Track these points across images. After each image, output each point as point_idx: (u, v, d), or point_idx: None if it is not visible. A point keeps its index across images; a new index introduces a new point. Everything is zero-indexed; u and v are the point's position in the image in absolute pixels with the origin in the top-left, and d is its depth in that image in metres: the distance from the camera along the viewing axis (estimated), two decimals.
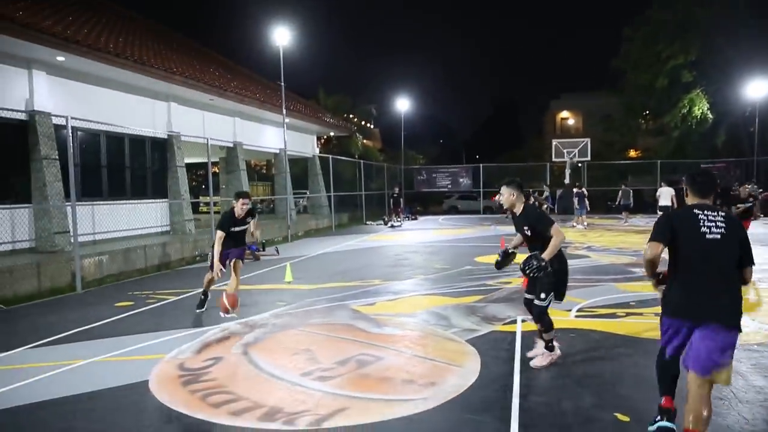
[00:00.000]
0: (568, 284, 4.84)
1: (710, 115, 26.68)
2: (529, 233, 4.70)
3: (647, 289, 7.66)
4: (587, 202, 19.44)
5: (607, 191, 26.06)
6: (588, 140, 25.44)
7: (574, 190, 20.04)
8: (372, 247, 14.60)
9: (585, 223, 18.91)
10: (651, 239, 3.25)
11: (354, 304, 7.32)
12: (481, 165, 28.48)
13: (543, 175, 27.64)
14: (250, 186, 21.35)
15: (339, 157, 25.01)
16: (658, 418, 3.32)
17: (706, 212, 3.20)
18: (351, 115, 39.34)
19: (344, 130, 28.11)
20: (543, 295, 4.64)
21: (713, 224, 3.15)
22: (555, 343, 4.83)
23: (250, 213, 6.89)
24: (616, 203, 21.25)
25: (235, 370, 4.83)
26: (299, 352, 5.26)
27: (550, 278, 4.60)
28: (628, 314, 6.53)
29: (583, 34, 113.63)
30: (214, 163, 20.98)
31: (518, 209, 4.77)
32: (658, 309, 6.39)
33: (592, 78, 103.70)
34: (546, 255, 4.50)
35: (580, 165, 26.30)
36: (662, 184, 19.04)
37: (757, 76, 23.52)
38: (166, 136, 14.57)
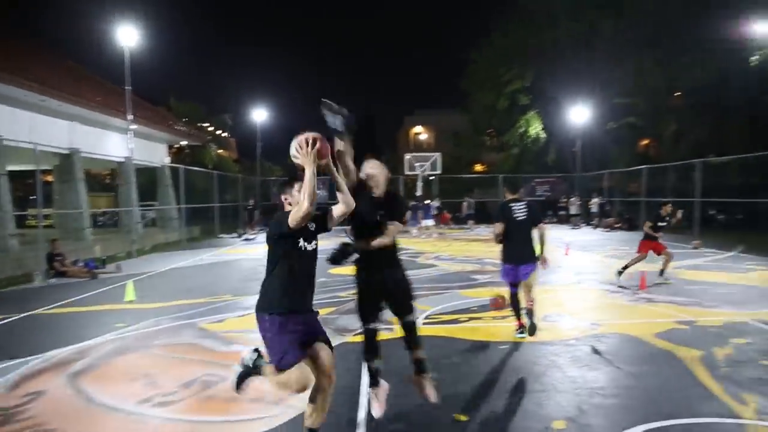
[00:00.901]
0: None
1: (543, 135, 29.79)
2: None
3: (487, 294, 8.30)
4: (433, 212, 20.98)
5: (455, 203, 27.97)
6: (438, 155, 26.94)
7: (426, 202, 21.41)
8: (225, 261, 14.10)
9: (429, 233, 20.31)
10: (495, 221, 5.91)
11: (201, 322, 7.01)
12: None
13: (396, 186, 28.76)
14: (90, 197, 19.53)
15: (191, 167, 23.86)
16: (520, 331, 5.93)
17: (515, 204, 5.82)
18: (206, 124, 37.85)
19: (197, 139, 26.94)
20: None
21: (519, 210, 5.79)
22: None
23: None
24: (463, 214, 22.98)
25: (60, 404, 4.37)
26: (137, 377, 4.91)
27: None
28: (470, 319, 7.01)
29: (437, 54, 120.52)
30: (47, 171, 18.88)
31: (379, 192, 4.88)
32: (497, 313, 6.97)
33: (444, 96, 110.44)
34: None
35: (432, 178, 27.77)
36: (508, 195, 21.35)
37: (579, 102, 26.72)
38: None
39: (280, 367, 3.20)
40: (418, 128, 52.06)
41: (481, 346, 5.77)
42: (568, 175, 29.72)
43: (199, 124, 35.26)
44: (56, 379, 4.94)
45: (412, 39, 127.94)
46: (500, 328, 6.51)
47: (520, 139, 30.03)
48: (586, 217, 25.66)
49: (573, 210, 25.09)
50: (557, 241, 17.46)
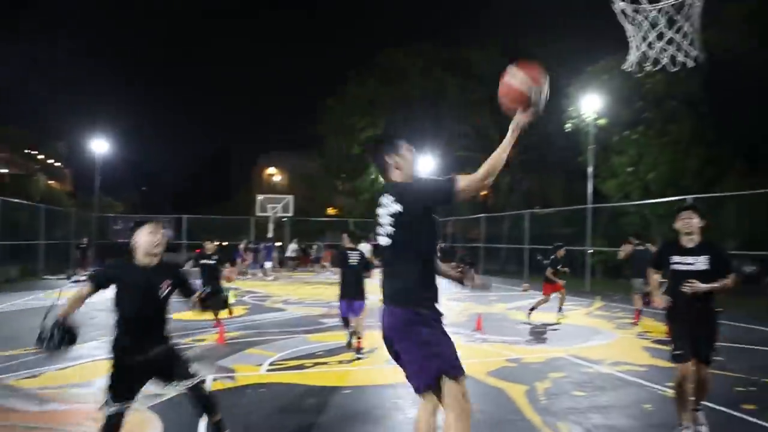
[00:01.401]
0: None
1: None
2: None
3: (333, 339, 8.35)
4: (274, 254, 21.49)
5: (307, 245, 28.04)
6: (291, 197, 26.91)
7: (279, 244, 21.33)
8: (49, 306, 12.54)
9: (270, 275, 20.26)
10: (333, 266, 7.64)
11: (11, 379, 6.13)
12: (184, 216, 27.41)
13: (248, 228, 28.10)
14: None
15: (11, 199, 21.18)
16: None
17: (352, 251, 7.34)
18: (35, 152, 34.14)
19: (21, 168, 24.08)
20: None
21: (353, 256, 7.36)
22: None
23: None
24: (312, 257, 23.23)
25: None
26: None
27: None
28: (315, 364, 6.96)
29: (291, 96, 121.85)
30: None
31: None
32: (342, 357, 7.04)
33: (299, 138, 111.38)
34: None
35: (284, 220, 27.59)
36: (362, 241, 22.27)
37: (427, 153, 28.58)
38: None
39: (460, 374, 2.83)
40: (272, 169, 51.74)
41: (326, 392, 5.75)
42: None
43: (26, 151, 31.64)
44: None
45: (269, 80, 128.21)
46: (346, 372, 6.56)
47: (371, 185, 31.22)
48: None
49: None
50: None
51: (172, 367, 3.72)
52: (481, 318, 9.90)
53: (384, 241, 2.98)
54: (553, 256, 11.13)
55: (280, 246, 21.56)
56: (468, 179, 2.90)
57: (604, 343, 8.52)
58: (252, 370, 6.56)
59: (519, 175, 28.86)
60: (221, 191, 59.19)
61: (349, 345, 7.57)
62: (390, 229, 2.94)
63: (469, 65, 29.95)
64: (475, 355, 7.63)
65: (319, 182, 35.97)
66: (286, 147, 50.91)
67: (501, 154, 2.91)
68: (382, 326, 3.05)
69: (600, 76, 20.48)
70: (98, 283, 3.48)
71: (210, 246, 10.02)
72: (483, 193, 32.54)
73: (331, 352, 7.62)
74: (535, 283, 18.41)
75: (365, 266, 7.48)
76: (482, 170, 2.88)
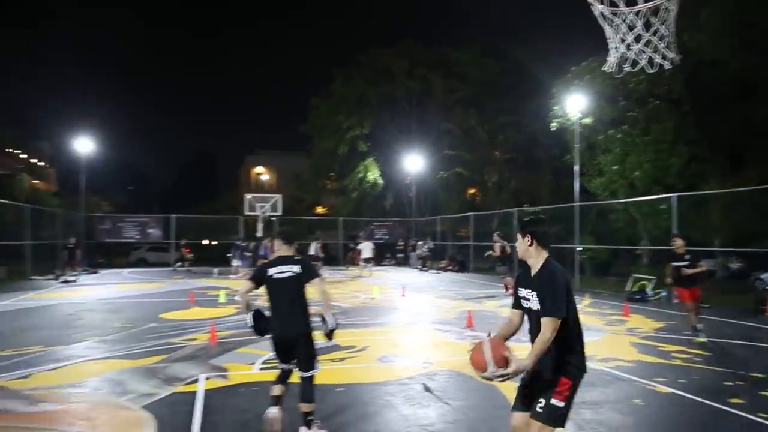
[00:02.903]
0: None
1: (381, 181, 31.32)
2: None
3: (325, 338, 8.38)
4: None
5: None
6: (279, 196, 26.86)
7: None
8: (37, 307, 12.45)
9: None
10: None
11: (2, 380, 6.10)
12: (172, 215, 27.25)
13: (237, 227, 28.00)
14: None
15: None
16: None
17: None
18: (17, 151, 33.73)
19: (4, 167, 23.81)
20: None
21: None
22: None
23: None
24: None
25: None
26: None
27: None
28: None
29: (279, 96, 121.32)
30: None
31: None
32: (334, 355, 7.09)
33: (286, 138, 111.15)
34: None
35: (273, 219, 27.51)
36: (361, 240, 23.02)
37: (413, 152, 28.74)
38: None
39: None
40: (259, 168, 51.54)
41: (319, 390, 5.77)
42: (404, 220, 31.40)
43: (8, 150, 31.25)
44: None
45: (257, 80, 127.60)
46: (338, 371, 6.61)
47: (359, 184, 31.24)
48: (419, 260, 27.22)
49: (419, 252, 26.28)
50: (394, 283, 18.25)
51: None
52: (472, 315, 9.98)
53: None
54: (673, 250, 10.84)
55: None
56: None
57: (594, 339, 8.62)
58: (245, 369, 6.58)
59: (507, 173, 29.06)
60: (208, 190, 58.85)
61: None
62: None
63: (453, 65, 30.10)
64: (466, 351, 7.70)
65: (307, 181, 35.89)
66: (274, 146, 50.91)
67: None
68: None
69: (583, 75, 20.66)
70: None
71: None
72: (471, 190, 32.83)
73: (323, 350, 7.64)
74: None
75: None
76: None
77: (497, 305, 12.69)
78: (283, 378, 4.61)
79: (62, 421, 4.78)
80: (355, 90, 31.36)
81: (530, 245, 3.17)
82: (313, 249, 24.52)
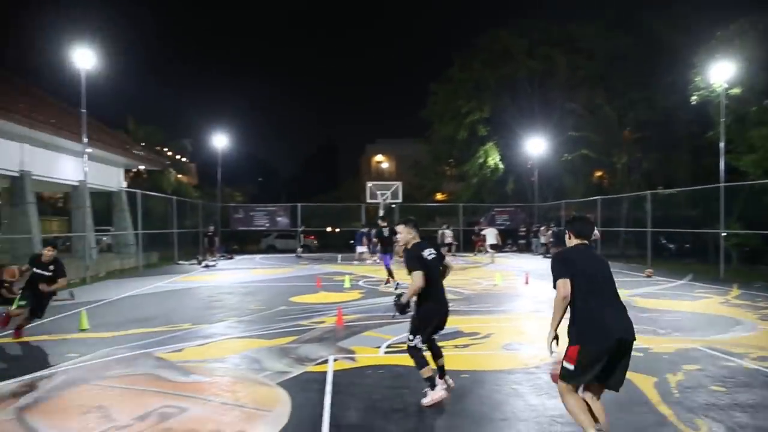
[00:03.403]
0: (430, 323, 4.90)
1: (501, 166, 30.51)
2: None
3: (449, 323, 8.37)
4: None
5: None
6: (400, 183, 27.23)
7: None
8: (183, 289, 13.77)
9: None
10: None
11: (159, 352, 6.81)
12: (299, 204, 28.72)
13: (359, 214, 28.86)
14: (42, 221, 18.84)
15: (149, 192, 23.36)
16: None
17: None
18: (165, 149, 37.25)
19: (156, 164, 26.43)
20: (411, 336, 4.85)
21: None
22: (437, 382, 4.86)
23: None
24: (437, 242, 23.72)
25: None
26: (90, 410, 4.73)
27: (414, 320, 4.84)
28: None
29: (399, 83, 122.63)
30: None
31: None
32: (458, 341, 7.04)
33: (405, 125, 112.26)
34: (405, 295, 4.78)
35: (393, 206, 27.97)
36: (483, 226, 23.25)
37: (535, 134, 27.59)
38: None
39: None
40: (379, 157, 52.55)
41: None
42: (526, 205, 30.42)
43: (158, 148, 34.64)
44: (2, 413, 4.71)
45: (376, 69, 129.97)
46: (462, 357, 6.56)
47: (479, 169, 30.64)
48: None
49: (543, 239, 25.43)
50: (517, 270, 17.78)
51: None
52: None
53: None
54: None
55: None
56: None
57: (746, 335, 7.76)
58: (371, 352, 6.76)
59: (638, 153, 26.98)
60: (331, 180, 61.16)
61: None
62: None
63: (578, 40, 28.36)
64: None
65: (426, 168, 35.92)
66: (393, 135, 51.57)
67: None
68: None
69: (732, 40, 18.52)
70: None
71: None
72: (598, 173, 30.93)
73: (447, 336, 7.62)
74: (659, 267, 17.24)
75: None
76: None
77: (628, 294, 11.88)
78: (436, 350, 5.10)
79: (210, 392, 5.23)
80: (473, 73, 30.75)
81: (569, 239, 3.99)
82: (449, 236, 24.71)
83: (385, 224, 14.72)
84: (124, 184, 23.69)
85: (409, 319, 4.94)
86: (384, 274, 14.16)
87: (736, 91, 17.97)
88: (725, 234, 16.78)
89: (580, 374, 3.58)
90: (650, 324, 8.47)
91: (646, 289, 12.97)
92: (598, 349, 3.54)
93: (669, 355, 6.52)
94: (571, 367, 3.61)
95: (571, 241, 3.94)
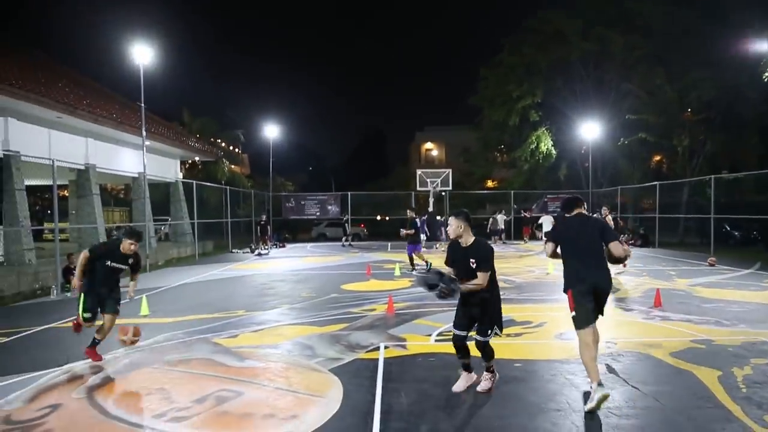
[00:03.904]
0: (456, 309, 4.95)
1: (554, 151, 29.71)
2: (474, 266, 4.62)
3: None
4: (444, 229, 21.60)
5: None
6: (449, 171, 27.03)
7: (439, 218, 21.71)
8: (237, 277, 14.15)
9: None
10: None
11: (215, 338, 7.03)
12: (349, 193, 28.94)
13: (409, 202, 28.82)
14: (105, 212, 19.80)
15: (204, 182, 24.08)
16: None
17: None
18: (218, 140, 38.20)
19: (210, 155, 27.18)
20: (489, 332, 4.74)
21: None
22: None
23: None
24: (488, 230, 23.60)
25: (77, 417, 4.40)
26: (152, 391, 4.94)
27: (492, 316, 4.74)
28: None
29: (448, 71, 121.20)
30: (64, 186, 19.13)
31: (466, 241, 4.73)
32: (509, 330, 6.93)
33: (455, 112, 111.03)
34: (466, 286, 4.59)
35: (443, 194, 27.80)
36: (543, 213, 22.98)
37: (590, 118, 26.65)
38: (1, 155, 13.08)
39: None
40: (429, 144, 52.23)
41: (496, 364, 5.71)
42: (581, 191, 29.60)
43: (211, 140, 35.61)
44: (72, 392, 4.97)
45: (425, 56, 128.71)
46: (514, 346, 6.47)
47: (531, 156, 29.91)
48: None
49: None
50: None
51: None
52: (660, 293, 9.09)
53: None
54: None
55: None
56: None
57: None
58: (422, 340, 6.75)
59: (701, 136, 25.66)
60: (380, 168, 61.28)
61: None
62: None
63: (635, 18, 27.07)
64: (655, 333, 7.03)
65: (476, 155, 35.42)
66: (443, 122, 51.01)
67: None
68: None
69: None
70: None
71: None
72: (656, 158, 29.68)
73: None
74: (722, 256, 16.46)
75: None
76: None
77: (689, 284, 11.40)
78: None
79: (264, 377, 5.35)
80: (524, 58, 29.95)
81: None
82: (501, 222, 24.47)
83: (414, 214, 14.87)
84: (180, 175, 24.51)
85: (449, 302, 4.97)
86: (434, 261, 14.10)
87: None
88: None
89: (582, 314, 4.59)
90: (714, 315, 8.10)
91: (708, 278, 12.39)
92: (580, 288, 4.61)
93: (734, 348, 6.21)
94: (573, 314, 4.64)
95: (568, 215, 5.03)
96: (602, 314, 4.76)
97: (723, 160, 25.20)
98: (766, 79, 18.62)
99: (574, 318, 4.62)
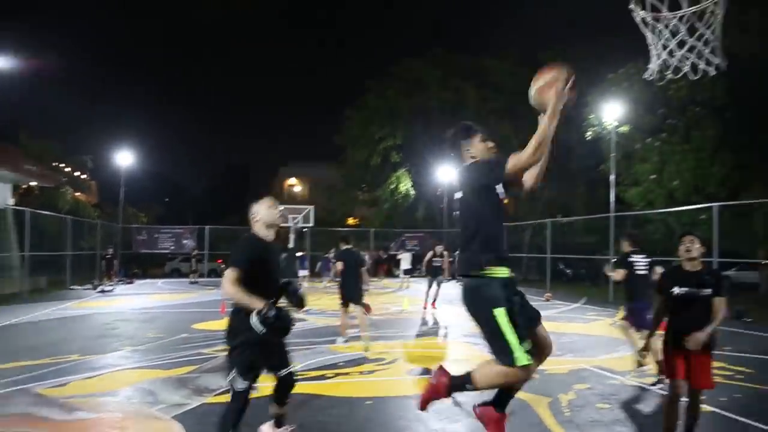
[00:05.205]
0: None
1: (413, 192, 31.24)
2: None
3: (355, 349, 8.36)
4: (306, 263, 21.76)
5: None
6: (312, 207, 27.09)
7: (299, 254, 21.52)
8: (75, 316, 12.79)
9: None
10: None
11: (39, 387, 6.24)
12: (207, 227, 27.76)
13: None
14: None
15: (40, 211, 21.68)
16: None
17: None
18: (62, 165, 34.89)
19: (49, 181, 24.64)
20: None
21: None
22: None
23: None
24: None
25: None
26: None
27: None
28: (336, 375, 6.95)
29: (312, 108, 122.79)
30: None
31: None
32: (363, 368, 7.00)
33: (319, 149, 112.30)
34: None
35: (304, 230, 27.73)
36: (401, 250, 23.65)
37: (445, 162, 28.45)
38: None
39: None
40: (292, 180, 52.13)
41: (348, 402, 5.74)
42: (436, 231, 31.24)
43: (54, 164, 32.37)
44: None
45: (290, 92, 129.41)
46: (366, 383, 6.55)
47: (391, 195, 31.20)
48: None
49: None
50: (423, 295, 18.08)
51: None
52: None
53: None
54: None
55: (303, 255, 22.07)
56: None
57: (630, 354, 8.34)
58: (274, 380, 6.56)
59: (540, 183, 28.52)
60: (242, 201, 59.65)
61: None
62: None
63: (487, 75, 29.82)
64: None
65: (339, 192, 36.06)
66: (306, 158, 51.35)
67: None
68: None
69: (620, 83, 20.28)
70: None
71: None
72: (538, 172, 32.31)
73: (353, 362, 7.61)
74: (557, 291, 18.23)
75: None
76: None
77: None
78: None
79: (94, 430, 4.85)
80: (387, 101, 31.46)
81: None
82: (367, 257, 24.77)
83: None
84: (11, 202, 21.86)
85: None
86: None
87: (624, 129, 19.63)
88: (615, 260, 18.06)
89: None
90: None
91: (545, 312, 13.52)
92: None
93: (561, 376, 6.87)
94: None
95: None
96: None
97: (558, 205, 28.19)
98: (588, 138, 21.38)
99: None
